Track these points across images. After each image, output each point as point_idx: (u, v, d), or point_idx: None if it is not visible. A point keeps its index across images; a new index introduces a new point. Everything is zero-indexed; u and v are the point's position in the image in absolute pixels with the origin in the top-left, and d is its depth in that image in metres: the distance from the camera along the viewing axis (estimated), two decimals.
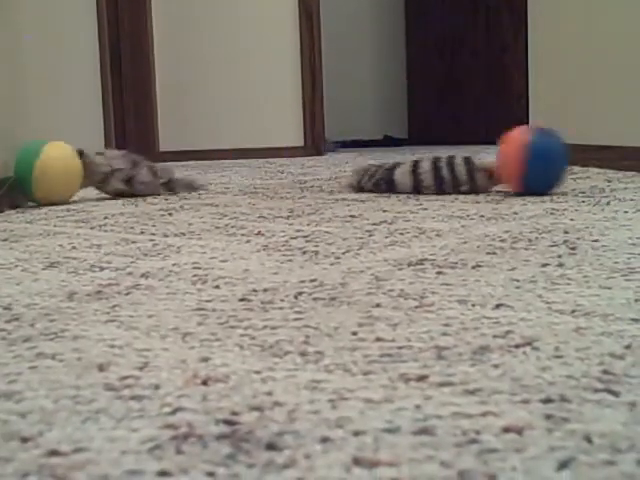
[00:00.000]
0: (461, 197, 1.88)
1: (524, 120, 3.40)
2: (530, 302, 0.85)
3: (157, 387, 0.62)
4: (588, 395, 0.57)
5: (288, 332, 0.77)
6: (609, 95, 2.62)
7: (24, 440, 0.53)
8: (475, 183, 1.94)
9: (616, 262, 1.05)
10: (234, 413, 0.56)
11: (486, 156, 3.55)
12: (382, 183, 2.03)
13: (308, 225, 1.52)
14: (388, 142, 5.35)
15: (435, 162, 1.98)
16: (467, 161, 1.97)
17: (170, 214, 1.76)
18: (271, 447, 0.50)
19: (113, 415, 0.57)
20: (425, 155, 2.16)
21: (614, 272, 0.99)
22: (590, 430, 0.51)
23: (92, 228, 1.57)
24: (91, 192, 2.40)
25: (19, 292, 0.99)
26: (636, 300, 0.84)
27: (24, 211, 1.89)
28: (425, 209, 1.69)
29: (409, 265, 1.08)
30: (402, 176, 2.00)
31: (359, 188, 2.09)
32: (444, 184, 1.95)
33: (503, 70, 5.02)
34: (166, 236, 1.43)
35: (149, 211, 1.83)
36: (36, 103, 2.27)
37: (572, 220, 1.45)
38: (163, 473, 0.47)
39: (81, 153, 2.04)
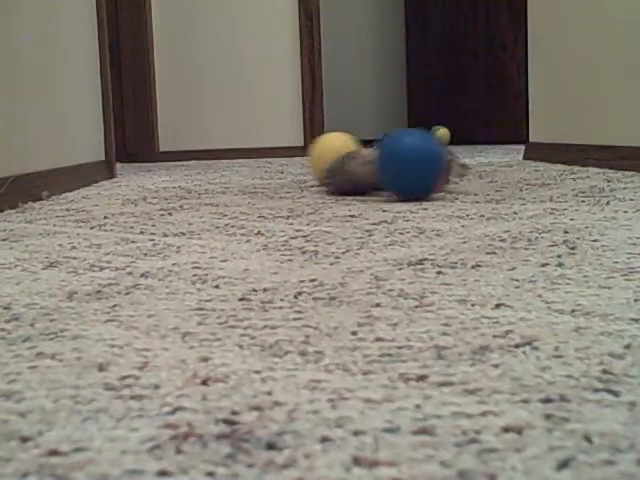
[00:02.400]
0: (461, 197, 1.88)
1: (524, 120, 3.40)
2: (530, 302, 0.85)
3: (157, 387, 0.62)
4: (588, 395, 0.57)
5: (288, 332, 0.77)
6: (609, 95, 2.62)
7: (24, 440, 0.53)
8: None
9: (616, 262, 1.05)
10: (234, 413, 0.56)
11: (485, 157, 3.56)
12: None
13: (308, 225, 1.52)
14: None
15: None
16: None
17: (170, 214, 1.76)
18: (271, 447, 0.50)
19: (113, 415, 0.57)
20: None
21: (614, 272, 0.99)
22: (590, 430, 0.51)
23: (92, 228, 1.57)
24: (90, 191, 2.40)
25: (19, 292, 0.99)
26: (636, 300, 0.84)
27: (24, 211, 1.89)
28: (425, 209, 1.69)
29: (409, 265, 1.08)
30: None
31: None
32: None
33: (503, 70, 5.03)
34: (166, 236, 1.43)
35: (149, 211, 1.83)
36: (35, 103, 2.27)
37: (572, 220, 1.45)
38: (163, 473, 0.47)
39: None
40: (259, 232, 1.44)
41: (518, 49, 4.87)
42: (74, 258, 1.23)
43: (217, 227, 1.52)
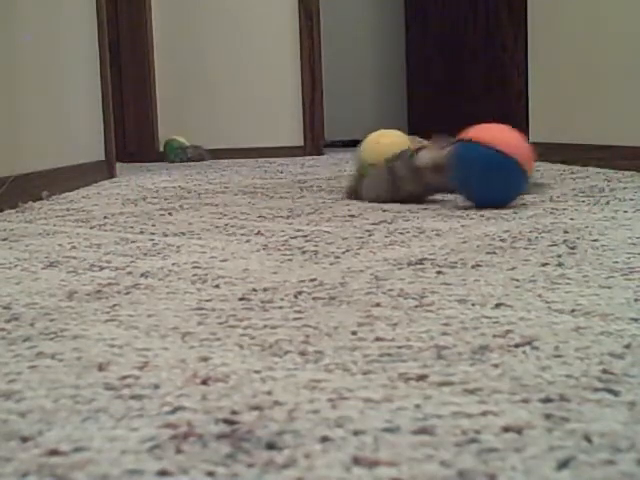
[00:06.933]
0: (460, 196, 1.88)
1: (524, 120, 3.40)
2: (530, 301, 0.85)
3: (157, 386, 0.62)
4: (588, 395, 0.57)
5: (288, 331, 0.77)
6: (609, 95, 2.62)
7: (24, 440, 0.53)
8: (421, 180, 1.78)
9: (616, 262, 1.05)
10: (234, 412, 0.56)
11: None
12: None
13: (308, 225, 1.51)
14: None
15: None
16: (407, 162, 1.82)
17: (170, 214, 1.76)
18: (271, 447, 0.50)
19: (113, 414, 0.57)
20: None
21: (614, 272, 0.99)
22: (590, 430, 0.51)
23: (92, 228, 1.57)
24: (90, 191, 2.40)
25: (19, 292, 0.99)
26: (636, 300, 0.84)
27: (24, 211, 1.89)
28: (425, 209, 1.69)
29: (409, 265, 1.08)
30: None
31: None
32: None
33: (503, 70, 5.03)
34: (166, 235, 1.43)
35: (149, 211, 1.83)
36: (36, 103, 2.27)
37: (572, 220, 1.45)
38: (163, 472, 0.47)
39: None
40: (259, 232, 1.43)
41: (518, 49, 4.86)
42: (74, 258, 1.23)
43: (217, 227, 1.52)
